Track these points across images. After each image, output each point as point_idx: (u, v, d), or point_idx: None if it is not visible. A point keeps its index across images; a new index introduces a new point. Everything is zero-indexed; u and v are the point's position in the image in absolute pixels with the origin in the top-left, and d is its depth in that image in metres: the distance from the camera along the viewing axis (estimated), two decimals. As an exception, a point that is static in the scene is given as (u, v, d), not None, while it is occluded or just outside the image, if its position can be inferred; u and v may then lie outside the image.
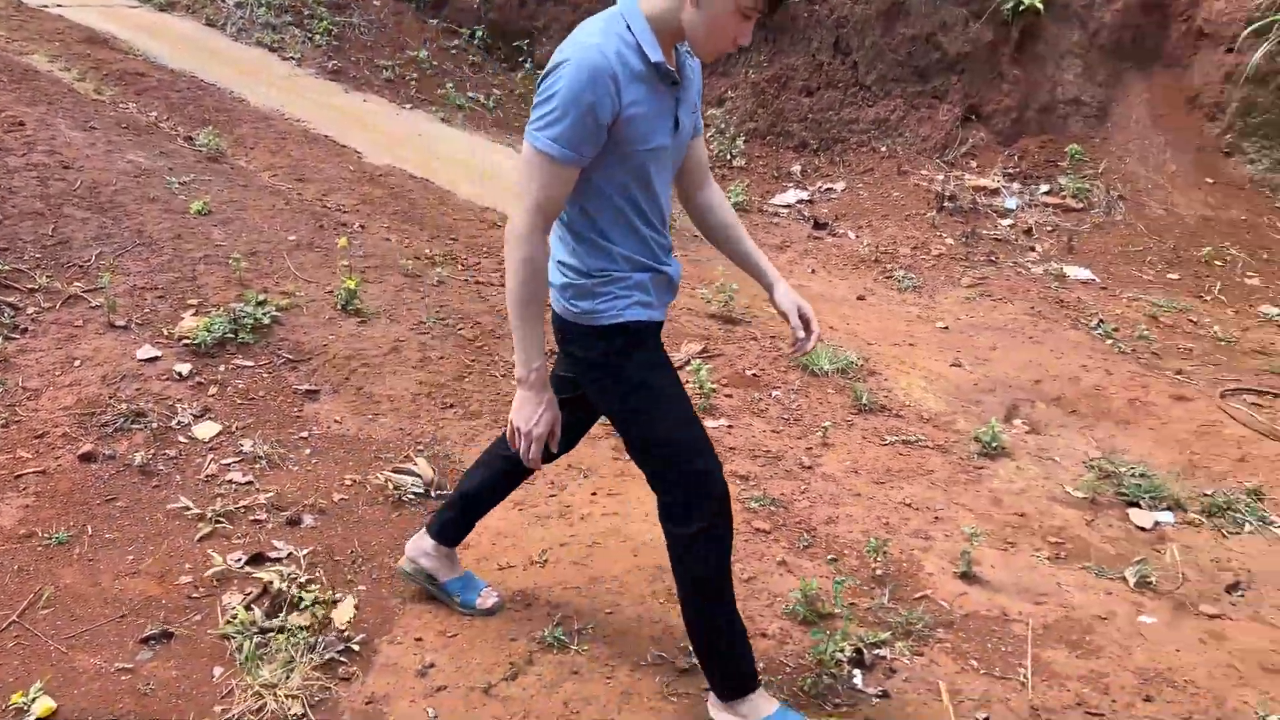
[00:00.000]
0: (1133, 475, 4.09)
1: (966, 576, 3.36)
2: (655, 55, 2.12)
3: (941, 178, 7.15)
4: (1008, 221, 6.85)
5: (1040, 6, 7.23)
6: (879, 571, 3.34)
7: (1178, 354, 5.39)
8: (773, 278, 2.56)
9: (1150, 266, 6.54)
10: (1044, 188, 7.16)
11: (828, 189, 7.29)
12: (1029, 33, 7.52)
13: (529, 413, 2.32)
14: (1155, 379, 4.94)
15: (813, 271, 6.20)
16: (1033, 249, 6.61)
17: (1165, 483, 4.04)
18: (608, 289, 2.27)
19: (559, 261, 2.32)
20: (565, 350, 2.41)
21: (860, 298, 5.84)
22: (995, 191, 7.08)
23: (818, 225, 6.77)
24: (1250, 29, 7.25)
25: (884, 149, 7.52)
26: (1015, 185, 7.18)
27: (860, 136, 7.61)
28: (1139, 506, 3.94)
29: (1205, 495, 3.99)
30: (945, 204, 6.85)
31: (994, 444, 4.22)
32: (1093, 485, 4.03)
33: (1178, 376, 5.06)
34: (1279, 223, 7.01)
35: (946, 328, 5.47)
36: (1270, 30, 7.22)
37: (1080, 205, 7.00)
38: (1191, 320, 5.85)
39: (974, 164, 7.36)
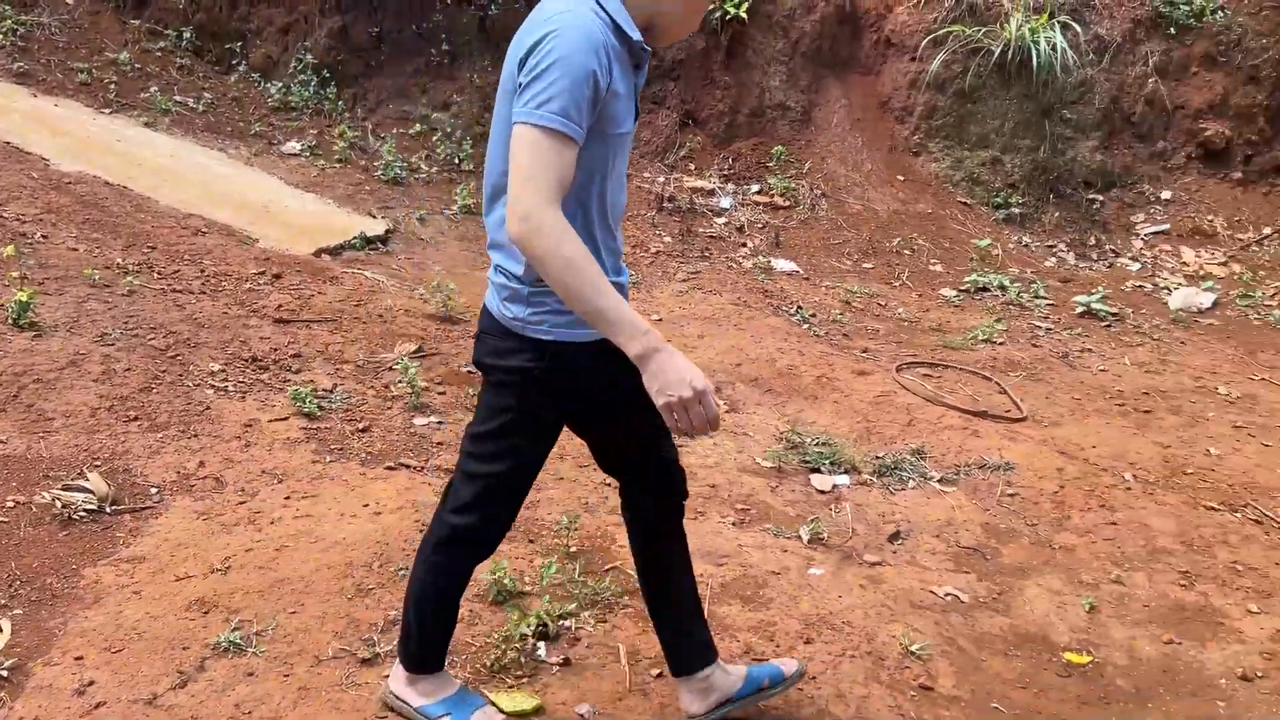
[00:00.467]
0: (816, 444, 4.45)
1: (655, 547, 3.54)
2: (636, 34, 2.04)
3: (663, 180, 7.47)
4: (722, 220, 7.24)
5: (745, 16, 7.69)
6: (573, 548, 3.47)
7: (866, 334, 5.89)
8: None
9: (848, 257, 7.10)
10: (755, 187, 7.62)
11: (555, 191, 7.45)
12: (737, 41, 7.98)
13: (679, 368, 1.94)
14: (842, 357, 5.38)
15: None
16: (744, 244, 7.02)
17: (843, 449, 4.42)
18: (544, 300, 2.09)
19: (497, 265, 2.16)
20: (487, 353, 2.23)
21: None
22: (711, 192, 7.47)
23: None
24: (928, 39, 8.03)
25: (608, 152, 7.76)
26: (730, 186, 7.60)
27: (585, 140, 7.81)
28: (820, 472, 4.28)
29: (877, 458, 4.39)
30: (665, 204, 7.16)
31: (693, 424, 4.46)
32: (780, 455, 4.34)
33: (863, 354, 5.54)
34: (959, 215, 7.79)
35: (661, 319, 5.73)
36: (947, 40, 8.02)
37: (787, 203, 7.50)
38: (881, 304, 6.40)
39: (693, 166, 7.73)
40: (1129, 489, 4.25)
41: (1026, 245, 7.66)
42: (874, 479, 4.25)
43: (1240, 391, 5.49)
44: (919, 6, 8.18)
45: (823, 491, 4.16)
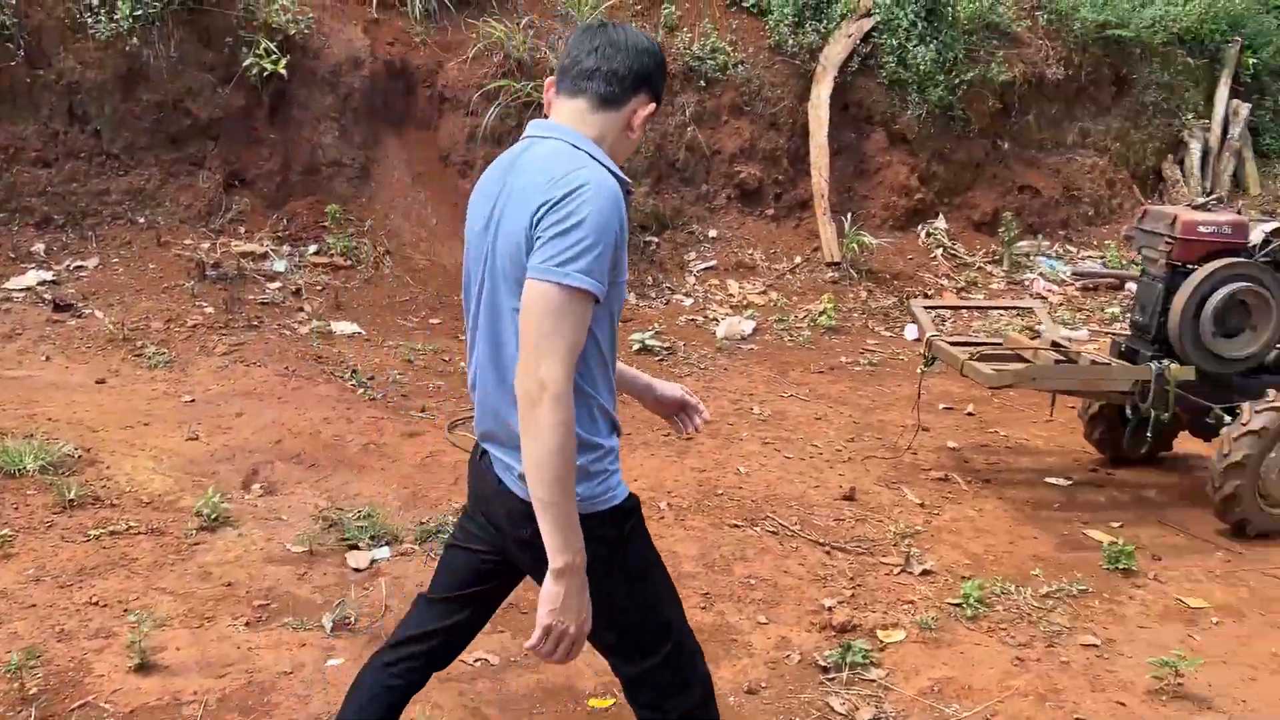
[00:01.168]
0: (357, 519, 4.21)
1: (144, 668, 3.12)
2: (627, 181, 1.98)
3: (207, 246, 6.92)
4: (276, 284, 6.83)
5: (284, 73, 7.35)
6: (33, 690, 2.96)
7: (426, 393, 5.75)
8: (646, 378, 2.45)
9: (415, 314, 6.96)
10: (313, 248, 7.28)
11: (78, 266, 6.65)
12: (281, 97, 7.62)
13: (580, 603, 1.87)
14: (395, 420, 5.19)
15: (47, 359, 5.55)
16: (301, 309, 6.66)
17: (386, 519, 4.22)
18: (601, 465, 1.95)
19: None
20: (528, 541, 1.94)
21: (101, 381, 5.34)
22: (264, 256, 7.03)
23: (59, 307, 6.12)
24: (479, 93, 8.14)
25: (143, 220, 7.08)
26: (285, 248, 7.20)
27: (114, 208, 7.07)
28: (359, 548, 4.05)
29: (422, 523, 4.23)
30: (208, 273, 6.62)
31: (215, 516, 4.07)
32: (314, 537, 4.05)
33: (420, 414, 5.39)
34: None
35: (193, 400, 5.23)
36: (499, 95, 8.17)
37: (349, 263, 7.24)
38: (445, 359, 6.31)
39: (243, 229, 7.25)
40: (662, 518, 4.42)
41: (591, 288, 7.94)
42: (417, 547, 4.09)
43: (771, 410, 5.98)
44: (468, 63, 8.28)
45: (359, 569, 3.92)
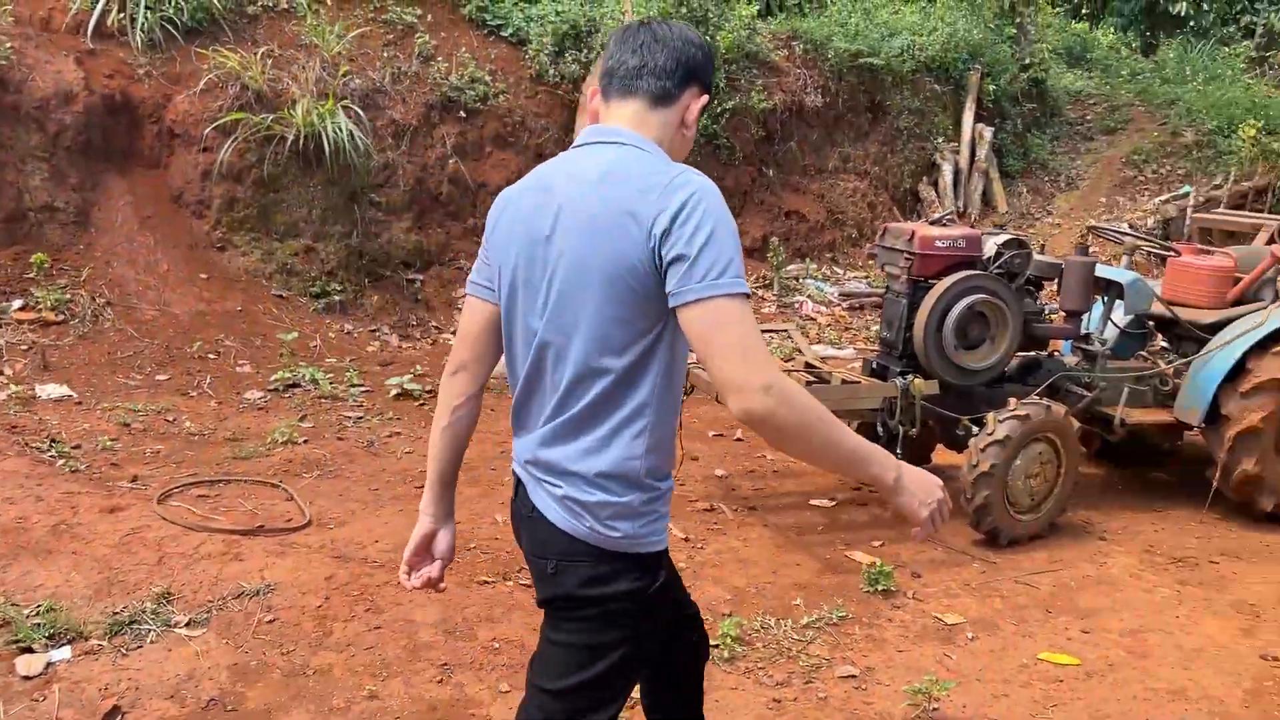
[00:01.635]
0: (35, 614, 3.58)
1: None
2: None
3: (-118, 305, 5.98)
4: (-32, 346, 5.98)
5: (-25, 107, 6.52)
6: None
7: (142, 459, 5.11)
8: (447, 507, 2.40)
9: (139, 371, 6.25)
10: (18, 303, 6.45)
11: None
12: (-24, 136, 6.77)
13: (923, 476, 1.91)
14: (94, 494, 4.54)
15: None
16: (1, 372, 5.84)
17: (71, 612, 3.60)
18: (652, 506, 1.89)
19: (601, 474, 1.85)
20: (582, 582, 1.89)
21: None
22: (-46, 314, 6.15)
23: None
24: (213, 127, 7.51)
25: None
26: (-17, 304, 6.35)
27: None
28: (33, 650, 3.43)
29: (114, 614, 3.64)
30: (-121, 336, 5.71)
31: None
32: (-28, 644, 3.40)
33: (131, 484, 4.75)
34: (275, 310, 7.33)
35: None
36: (236, 129, 7.56)
37: (61, 318, 6.45)
38: (169, 420, 5.66)
39: (-71, 285, 6.33)
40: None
41: (349, 332, 7.44)
42: (104, 643, 3.50)
43: (536, 450, 5.66)
44: (200, 95, 7.64)
45: (29, 677, 3.30)
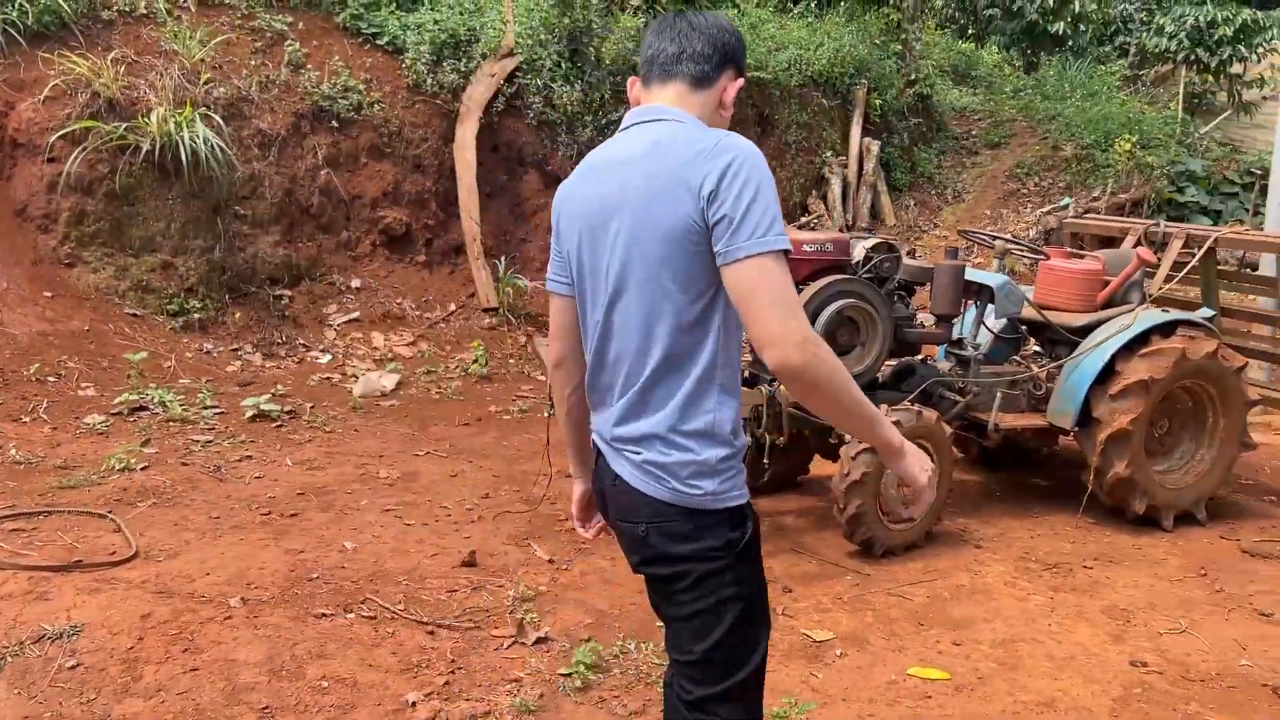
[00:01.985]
0: None
1: None
2: None
3: None
4: None
5: None
6: None
7: (-44, 492, 4.65)
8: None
9: (-35, 396, 5.75)
10: None
11: None
12: None
13: (923, 454, 2.03)
14: (-113, 531, 4.09)
15: None
16: None
17: None
18: (727, 464, 1.93)
19: (680, 432, 1.90)
20: (673, 540, 1.93)
21: None
22: None
23: None
24: (59, 136, 7.03)
25: None
26: None
27: None
28: None
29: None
30: None
31: None
32: None
33: (-64, 520, 4.31)
34: (128, 329, 6.87)
35: None
36: (86, 137, 7.10)
37: (-122, 339, 5.91)
38: (-7, 448, 5.20)
39: None
40: (229, 618, 3.65)
41: (208, 352, 7.01)
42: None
43: (401, 471, 5.35)
44: (45, 102, 7.15)
45: None
